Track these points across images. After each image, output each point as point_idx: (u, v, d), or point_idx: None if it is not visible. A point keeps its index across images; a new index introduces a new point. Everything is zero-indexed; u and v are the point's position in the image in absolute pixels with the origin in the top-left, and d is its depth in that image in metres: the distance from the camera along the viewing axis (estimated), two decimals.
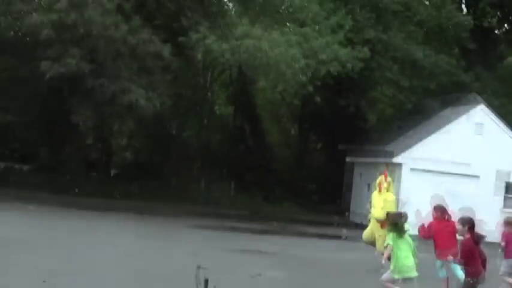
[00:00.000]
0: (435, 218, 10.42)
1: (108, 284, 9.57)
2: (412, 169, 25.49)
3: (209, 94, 32.86)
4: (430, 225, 10.39)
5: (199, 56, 23.61)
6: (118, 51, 22.60)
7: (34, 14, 22.17)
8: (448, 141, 25.67)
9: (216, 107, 36.91)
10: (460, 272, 9.60)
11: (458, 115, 26.69)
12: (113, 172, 36.32)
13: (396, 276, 9.05)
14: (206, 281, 5.38)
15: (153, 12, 27.31)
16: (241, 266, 12.56)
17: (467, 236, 8.40)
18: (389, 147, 27.14)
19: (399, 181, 25.65)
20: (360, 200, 26.32)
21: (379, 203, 13.75)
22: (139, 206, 25.26)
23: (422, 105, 28.79)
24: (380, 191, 14.04)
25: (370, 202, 14.26)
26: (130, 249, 13.62)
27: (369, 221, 14.20)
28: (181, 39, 23.66)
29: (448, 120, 26.71)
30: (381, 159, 27.15)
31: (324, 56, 23.26)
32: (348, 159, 30.00)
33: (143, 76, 23.40)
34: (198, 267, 5.37)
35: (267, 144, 35.51)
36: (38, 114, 30.37)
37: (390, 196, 14.05)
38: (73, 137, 29.02)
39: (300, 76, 22.74)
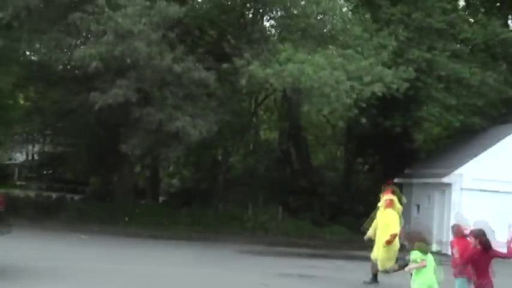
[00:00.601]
0: (454, 236, 10.48)
1: None
2: (462, 189, 25.11)
3: (254, 119, 33.04)
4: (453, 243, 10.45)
5: (243, 82, 23.76)
6: (164, 80, 22.98)
7: (82, 47, 22.72)
8: (499, 159, 25.24)
9: (261, 132, 37.07)
10: None
11: (508, 132, 26.27)
12: (161, 199, 36.75)
13: None
14: None
15: (196, 40, 27.75)
16: None
17: (478, 246, 8.85)
18: (437, 167, 26.82)
19: (449, 201, 25.32)
20: (408, 221, 26.04)
21: (380, 220, 14.30)
22: (188, 232, 25.45)
23: (470, 123, 28.38)
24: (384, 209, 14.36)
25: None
26: (181, 276, 13.71)
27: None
28: (225, 66, 23.94)
29: (498, 138, 26.29)
30: (429, 180, 26.86)
31: (368, 78, 23.17)
32: (396, 180, 29.68)
33: (189, 103, 23.69)
34: None
35: (313, 168, 35.44)
36: (88, 144, 31.06)
37: (390, 212, 14.26)
38: (122, 166, 29.46)
39: (345, 98, 22.67)
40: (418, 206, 27.74)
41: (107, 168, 34.86)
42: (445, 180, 25.35)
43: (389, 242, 13.93)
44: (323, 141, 40.22)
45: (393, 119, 28.56)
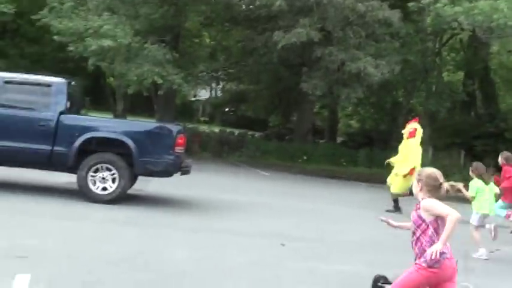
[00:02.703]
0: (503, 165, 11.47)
1: (346, 251, 9.68)
2: None
3: (438, 60, 31.68)
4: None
5: (428, 21, 22.72)
6: (347, 19, 22.62)
7: None
8: None
9: (445, 73, 35.50)
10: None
11: None
12: (339, 139, 36.83)
13: (476, 211, 10.18)
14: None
15: None
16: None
17: None
18: None
19: None
20: None
21: (402, 148, 14.53)
22: (365, 174, 25.33)
23: None
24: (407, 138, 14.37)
25: None
26: (359, 217, 13.69)
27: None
28: (410, 4, 23.02)
29: None
30: None
31: None
32: None
33: (371, 43, 23.22)
34: None
35: (500, 112, 33.48)
36: (269, 83, 31.67)
37: (413, 142, 14.30)
38: (302, 105, 29.78)
39: None
40: None
41: (286, 107, 35.48)
42: None
43: (407, 175, 13.96)
44: None
45: None
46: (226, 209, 12.69)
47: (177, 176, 12.24)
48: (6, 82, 11.43)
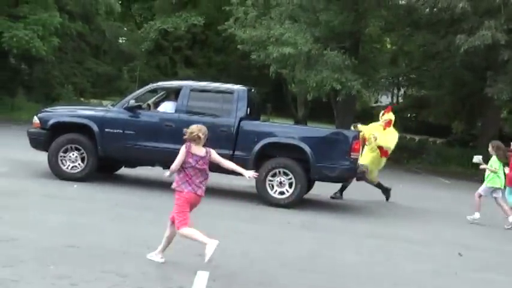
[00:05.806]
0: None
1: None
2: None
3: None
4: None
5: None
6: None
7: None
8: None
9: None
10: None
11: None
12: None
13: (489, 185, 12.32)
14: None
15: None
16: None
17: None
18: None
19: None
20: None
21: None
22: None
23: None
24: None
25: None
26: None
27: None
28: None
29: None
30: None
31: None
32: None
33: None
34: None
35: None
36: (451, 88, 30.61)
37: (392, 130, 13.92)
38: (486, 111, 28.41)
39: None
40: None
41: (470, 112, 34.06)
42: None
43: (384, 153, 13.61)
44: None
45: None
46: (402, 216, 12.54)
47: (353, 182, 12.30)
48: (192, 90, 12.21)
